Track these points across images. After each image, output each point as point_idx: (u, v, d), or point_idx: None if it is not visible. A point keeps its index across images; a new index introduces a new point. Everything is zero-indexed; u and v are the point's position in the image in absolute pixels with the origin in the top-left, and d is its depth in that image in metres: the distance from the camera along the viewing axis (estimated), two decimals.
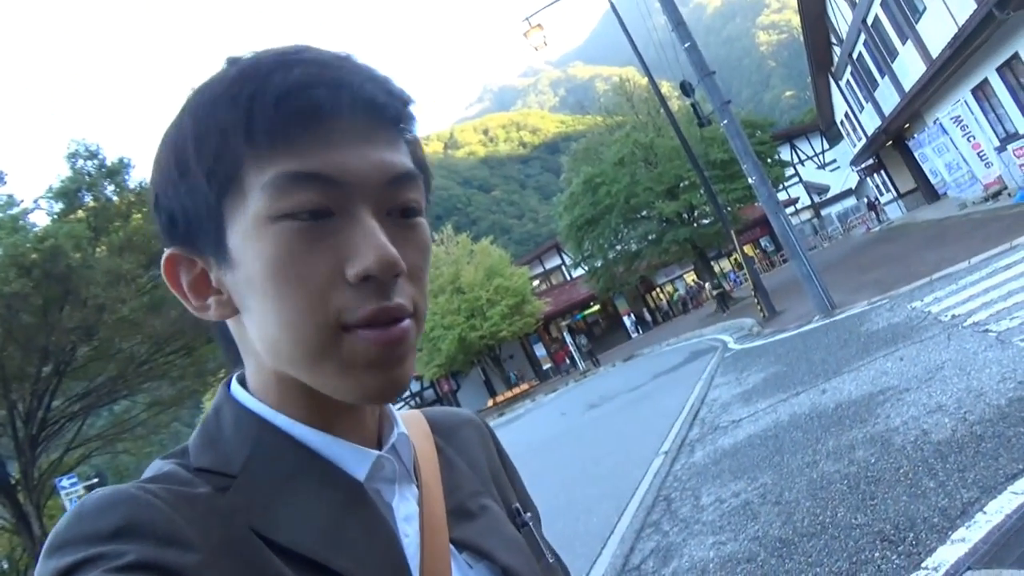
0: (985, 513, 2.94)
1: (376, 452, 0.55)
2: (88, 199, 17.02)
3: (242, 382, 0.56)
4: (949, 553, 2.78)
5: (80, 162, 16.58)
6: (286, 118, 0.46)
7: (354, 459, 0.54)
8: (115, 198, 17.34)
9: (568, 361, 31.73)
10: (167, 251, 0.52)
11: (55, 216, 16.56)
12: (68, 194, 16.55)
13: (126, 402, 20.80)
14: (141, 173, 17.59)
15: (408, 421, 0.66)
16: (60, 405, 17.48)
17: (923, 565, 2.78)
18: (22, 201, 16.38)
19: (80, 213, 16.84)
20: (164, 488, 0.46)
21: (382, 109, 0.50)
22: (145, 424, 20.52)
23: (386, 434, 0.59)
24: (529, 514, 0.70)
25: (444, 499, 0.60)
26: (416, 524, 0.56)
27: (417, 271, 0.52)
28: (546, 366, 34.26)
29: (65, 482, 15.89)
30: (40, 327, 14.81)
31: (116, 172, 17.01)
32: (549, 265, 41.44)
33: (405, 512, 0.56)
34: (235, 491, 0.49)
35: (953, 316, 6.60)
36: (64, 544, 0.42)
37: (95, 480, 21.00)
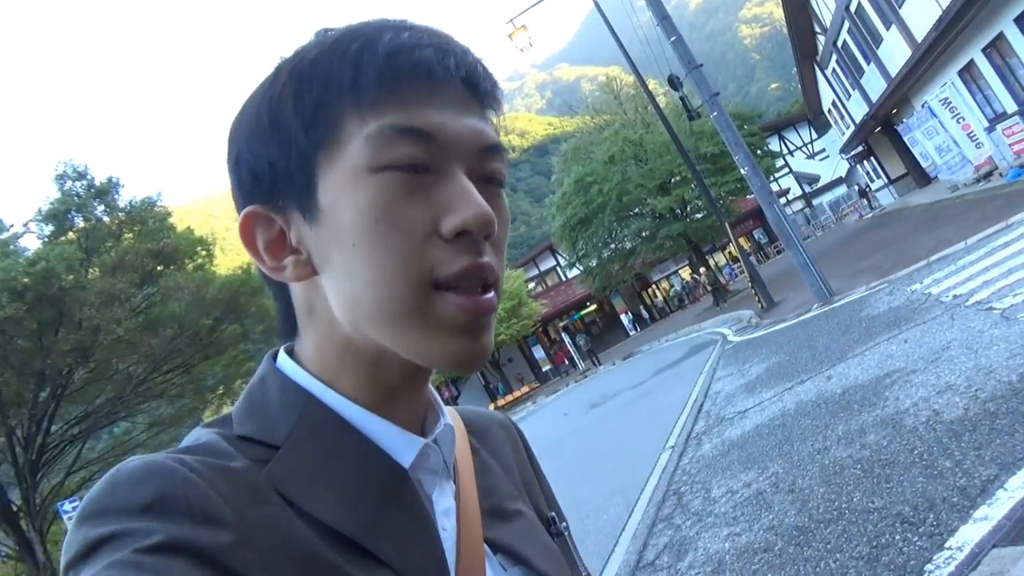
0: (1006, 490, 2.88)
1: (423, 440, 0.54)
2: (78, 220, 16.98)
3: (290, 355, 0.55)
4: (972, 532, 2.73)
5: (68, 183, 16.54)
6: (395, 72, 0.47)
7: (401, 444, 0.52)
8: (106, 218, 17.30)
9: (567, 362, 31.70)
10: (245, 210, 0.51)
11: (46, 239, 16.53)
12: (58, 216, 16.51)
13: (125, 423, 20.70)
14: (131, 192, 17.60)
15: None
16: (59, 429, 17.38)
17: (946, 545, 2.73)
18: (12, 225, 16.43)
19: (71, 235, 16.82)
20: (201, 460, 0.45)
21: (479, 81, 0.51)
22: (145, 445, 20.36)
23: (430, 423, 0.57)
24: (564, 523, 0.69)
25: (480, 499, 0.58)
26: (454, 519, 0.55)
27: (500, 241, 0.52)
28: (545, 368, 34.23)
29: (67, 507, 15.72)
30: (35, 351, 14.73)
31: (105, 192, 16.96)
32: (544, 267, 41.48)
33: (444, 506, 0.55)
34: (277, 462, 0.48)
35: (955, 296, 6.56)
36: (95, 514, 0.41)
37: None
